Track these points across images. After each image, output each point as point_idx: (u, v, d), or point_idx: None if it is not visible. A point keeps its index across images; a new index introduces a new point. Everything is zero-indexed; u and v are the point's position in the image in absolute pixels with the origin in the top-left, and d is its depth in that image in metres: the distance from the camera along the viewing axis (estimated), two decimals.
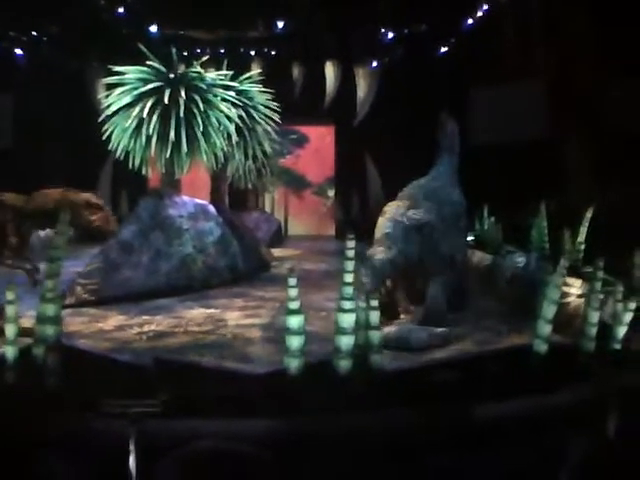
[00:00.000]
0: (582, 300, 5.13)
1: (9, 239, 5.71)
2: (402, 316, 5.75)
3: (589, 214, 6.79)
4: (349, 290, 3.84)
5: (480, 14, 11.46)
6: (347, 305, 3.83)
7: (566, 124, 9.56)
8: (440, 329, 5.27)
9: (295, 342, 3.77)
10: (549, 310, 4.19)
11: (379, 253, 5.55)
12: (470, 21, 11.73)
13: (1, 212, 5.55)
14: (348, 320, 3.81)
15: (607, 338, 4.52)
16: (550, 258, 6.31)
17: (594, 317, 4.39)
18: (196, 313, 6.42)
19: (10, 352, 3.79)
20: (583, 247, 6.77)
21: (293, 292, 3.77)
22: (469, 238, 7.92)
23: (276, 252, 11.01)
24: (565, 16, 9.44)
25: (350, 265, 3.88)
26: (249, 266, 8.66)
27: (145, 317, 6.15)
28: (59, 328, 3.89)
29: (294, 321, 3.78)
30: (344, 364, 3.81)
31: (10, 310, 3.81)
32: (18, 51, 12.47)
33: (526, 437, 3.47)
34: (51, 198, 6.54)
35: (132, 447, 3.04)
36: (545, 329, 4.19)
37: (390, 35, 12.90)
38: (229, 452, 1.63)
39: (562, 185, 8.68)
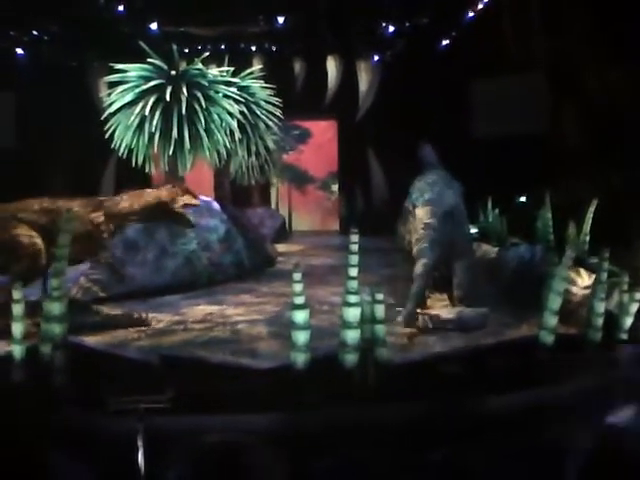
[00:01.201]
0: (587, 292, 5.12)
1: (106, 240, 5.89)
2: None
3: (593, 205, 6.77)
4: (354, 284, 3.85)
5: (481, 6, 11.42)
6: (352, 299, 3.83)
7: (568, 114, 9.52)
8: (482, 309, 5.50)
9: (301, 337, 3.77)
10: (555, 301, 4.18)
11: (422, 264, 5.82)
12: (471, 14, 11.69)
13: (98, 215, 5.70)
14: (354, 314, 3.82)
15: (613, 328, 4.51)
16: (555, 249, 6.29)
17: (600, 307, 4.39)
18: (201, 309, 6.43)
19: (18, 351, 3.81)
20: (588, 238, 6.75)
21: (298, 287, 3.78)
22: (473, 230, 7.90)
23: (281, 248, 11.01)
24: (565, 6, 9.41)
25: (354, 259, 3.88)
26: (254, 262, 8.66)
27: (150, 314, 6.15)
28: (65, 326, 3.90)
29: (300, 316, 3.78)
30: (350, 358, 3.81)
31: (17, 309, 3.82)
32: (19, 51, 12.48)
33: (533, 428, 3.46)
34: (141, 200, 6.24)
35: (140, 443, 3.05)
36: (551, 320, 4.19)
37: (391, 29, 12.85)
38: (237, 446, 1.63)
39: (566, 176, 8.66)
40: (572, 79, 9.32)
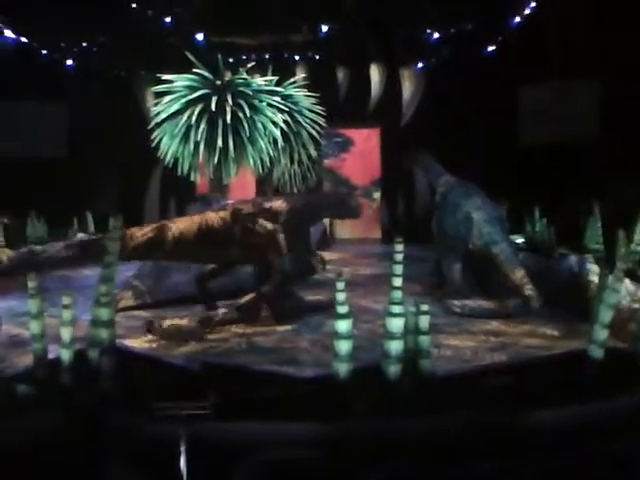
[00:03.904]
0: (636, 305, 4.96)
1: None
2: None
3: None
4: (398, 294, 3.80)
5: (528, 11, 11.25)
6: (396, 309, 3.79)
7: (616, 122, 9.28)
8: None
9: (344, 346, 3.75)
10: (606, 315, 4.05)
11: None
12: (517, 19, 11.52)
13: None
14: (397, 324, 3.77)
15: None
16: (606, 260, 6.11)
17: None
18: None
19: (65, 355, 3.89)
20: (639, 248, 6.52)
21: (341, 296, 3.76)
22: (519, 240, 7.73)
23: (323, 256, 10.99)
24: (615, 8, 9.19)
25: (399, 269, 3.84)
26: (297, 270, 8.66)
27: None
28: (113, 331, 3.98)
29: (343, 325, 3.76)
30: (393, 369, 3.77)
31: (66, 314, 3.91)
32: (69, 62, 12.86)
33: (584, 445, 3.36)
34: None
35: (182, 449, 3.08)
36: (601, 334, 4.06)
37: (436, 35, 12.77)
38: (298, 460, 1.62)
39: (616, 184, 8.42)
40: (621, 84, 9.09)
